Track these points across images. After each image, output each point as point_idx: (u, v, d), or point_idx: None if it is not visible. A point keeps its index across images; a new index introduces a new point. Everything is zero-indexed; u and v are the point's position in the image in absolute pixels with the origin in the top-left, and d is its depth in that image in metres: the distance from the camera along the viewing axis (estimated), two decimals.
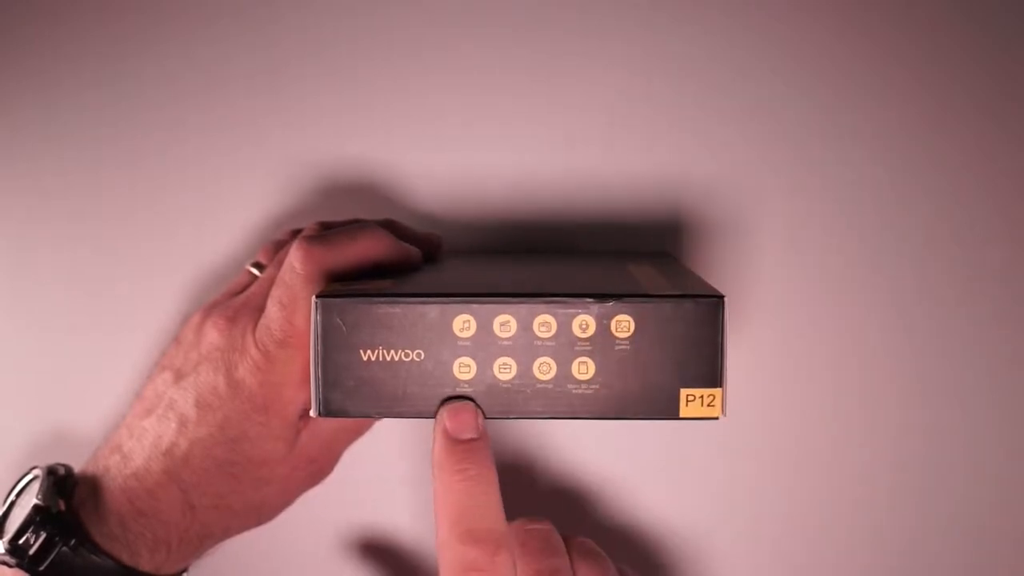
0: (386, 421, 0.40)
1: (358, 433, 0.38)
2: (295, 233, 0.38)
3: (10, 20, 0.42)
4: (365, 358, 0.28)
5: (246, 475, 0.34)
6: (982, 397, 0.40)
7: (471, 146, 0.41)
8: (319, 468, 0.37)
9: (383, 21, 0.41)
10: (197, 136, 0.42)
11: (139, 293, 0.42)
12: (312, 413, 0.29)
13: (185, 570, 0.36)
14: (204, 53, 0.41)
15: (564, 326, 0.28)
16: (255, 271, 0.38)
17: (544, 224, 0.41)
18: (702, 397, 0.28)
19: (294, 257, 0.33)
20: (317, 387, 0.28)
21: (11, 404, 0.42)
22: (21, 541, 0.32)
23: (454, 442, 0.28)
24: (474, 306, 0.28)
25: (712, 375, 0.28)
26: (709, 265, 0.41)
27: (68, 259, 0.42)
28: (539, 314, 0.28)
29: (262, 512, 0.36)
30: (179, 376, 0.35)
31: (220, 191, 0.42)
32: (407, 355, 0.28)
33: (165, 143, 0.42)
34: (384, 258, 0.34)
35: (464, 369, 0.28)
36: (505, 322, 0.28)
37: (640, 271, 0.34)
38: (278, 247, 0.38)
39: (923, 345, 0.40)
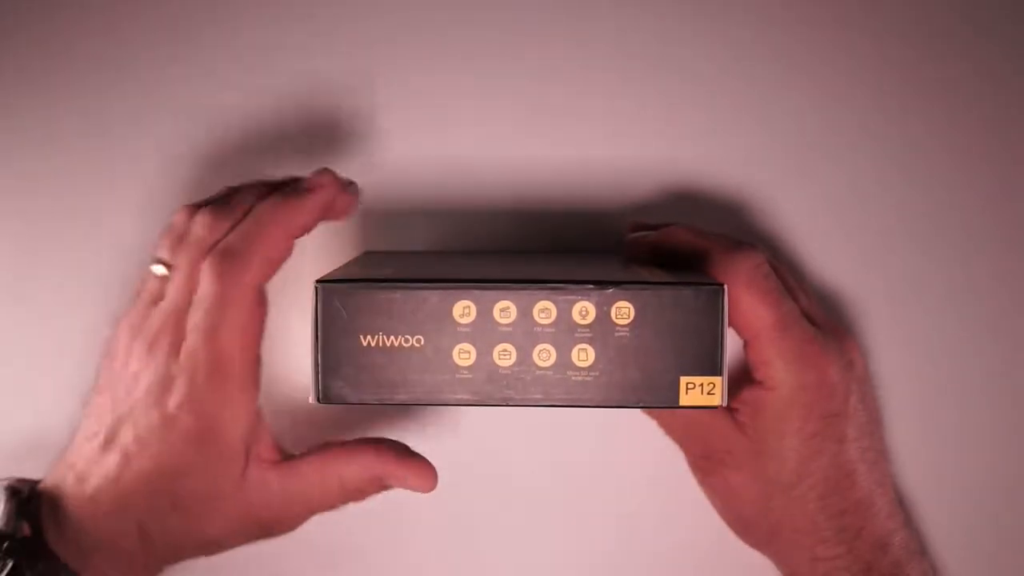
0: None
1: (323, 505, 0.34)
2: (192, 210, 0.34)
3: (11, 18, 0.42)
4: (365, 344, 0.28)
5: (193, 509, 0.33)
6: (982, 395, 0.40)
7: (470, 143, 0.41)
8: (272, 522, 0.34)
9: (382, 21, 0.41)
10: (194, 134, 0.42)
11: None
12: (311, 400, 0.29)
13: None
14: (202, 51, 0.42)
15: (564, 312, 0.28)
16: (159, 270, 0.35)
17: (544, 223, 0.41)
18: (702, 385, 0.28)
19: (206, 280, 0.31)
20: (316, 373, 0.28)
21: None
22: None
23: None
24: (474, 292, 0.28)
25: (712, 363, 0.28)
26: None
27: (60, 256, 0.42)
28: (539, 300, 0.28)
29: (212, 548, 0.34)
30: (115, 406, 0.33)
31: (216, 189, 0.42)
32: (407, 341, 0.28)
33: (160, 141, 0.42)
34: (309, 228, 0.33)
35: (464, 355, 0.28)
36: (505, 308, 0.28)
37: (641, 265, 0.34)
38: (176, 238, 0.34)
39: (920, 339, 0.40)
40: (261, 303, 0.33)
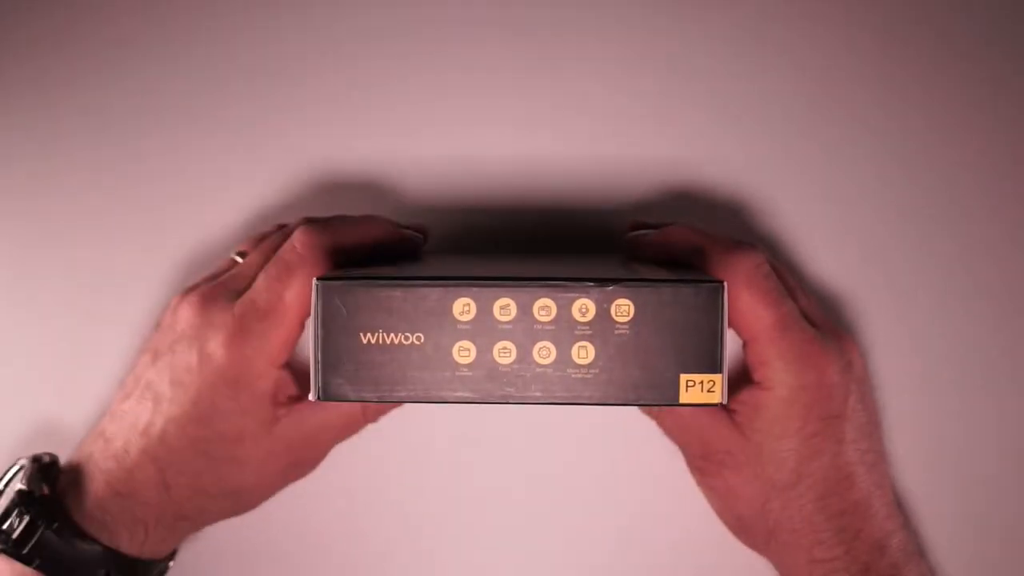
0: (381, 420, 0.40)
1: (347, 431, 0.37)
2: (280, 227, 0.39)
3: (10, 16, 0.42)
4: (365, 341, 0.28)
5: (220, 453, 0.34)
6: (982, 396, 0.40)
7: (470, 142, 0.41)
8: (299, 460, 0.37)
9: (379, 17, 0.41)
10: (191, 132, 0.42)
11: (132, 288, 0.41)
12: (311, 397, 0.29)
13: (173, 554, 0.37)
14: (200, 50, 0.42)
15: (564, 310, 0.28)
16: (237, 259, 0.38)
17: (545, 221, 0.41)
18: (702, 383, 0.28)
19: (296, 238, 0.34)
20: (316, 370, 0.28)
21: (1, 399, 0.42)
22: (5, 525, 0.33)
23: None
24: (474, 289, 0.28)
25: (712, 361, 0.28)
26: None
27: (61, 254, 0.42)
28: (539, 298, 0.28)
29: (239, 499, 0.36)
30: (156, 357, 0.35)
31: (213, 187, 0.42)
32: (407, 339, 0.28)
33: (159, 139, 0.42)
34: (384, 240, 0.35)
35: (464, 353, 0.28)
36: (505, 306, 0.28)
37: (640, 263, 0.34)
38: (262, 238, 0.38)
39: (920, 339, 0.40)
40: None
